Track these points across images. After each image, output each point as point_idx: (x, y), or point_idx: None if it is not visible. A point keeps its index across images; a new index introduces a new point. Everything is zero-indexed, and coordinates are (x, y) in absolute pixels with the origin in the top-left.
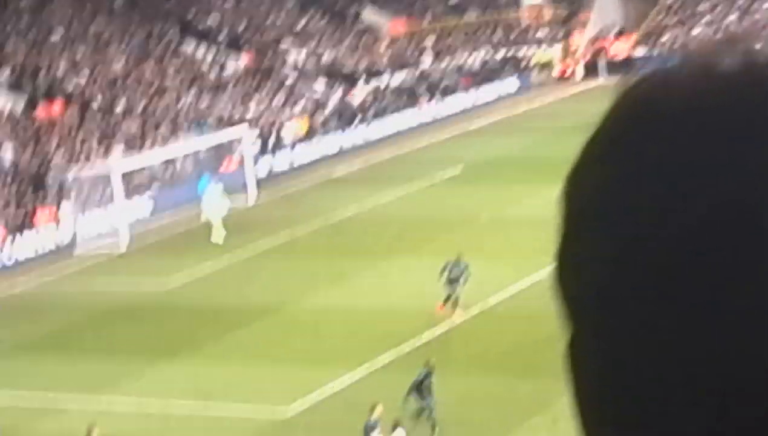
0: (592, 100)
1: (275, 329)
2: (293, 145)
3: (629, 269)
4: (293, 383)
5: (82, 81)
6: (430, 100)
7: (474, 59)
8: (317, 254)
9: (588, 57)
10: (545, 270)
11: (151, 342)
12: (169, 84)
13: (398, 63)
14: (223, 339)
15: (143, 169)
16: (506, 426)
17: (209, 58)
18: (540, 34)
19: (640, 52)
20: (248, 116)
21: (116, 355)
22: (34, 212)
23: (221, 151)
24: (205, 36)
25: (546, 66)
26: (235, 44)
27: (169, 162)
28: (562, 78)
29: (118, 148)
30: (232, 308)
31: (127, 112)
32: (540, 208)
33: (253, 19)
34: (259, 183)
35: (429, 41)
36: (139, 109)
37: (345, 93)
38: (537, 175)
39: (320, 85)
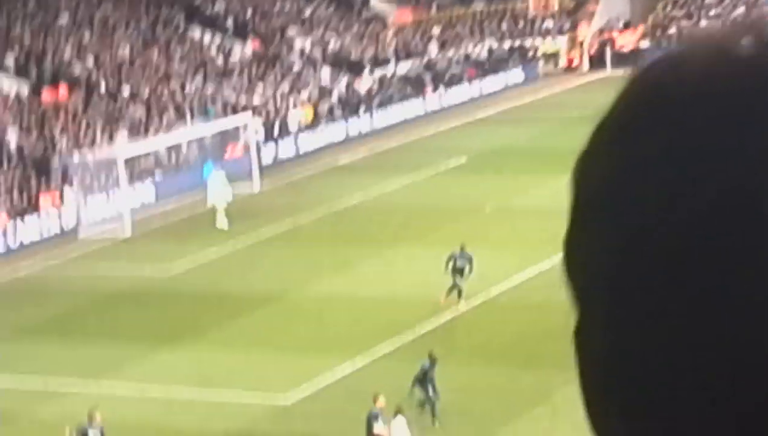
0: (599, 91)
1: (278, 317)
2: (298, 133)
3: (638, 255)
4: (295, 371)
5: (88, 66)
6: (435, 89)
7: (480, 49)
8: (321, 241)
9: (595, 48)
10: (549, 261)
11: (153, 328)
12: (175, 70)
13: (404, 52)
14: (226, 326)
15: (148, 154)
16: (507, 416)
17: (215, 44)
18: (547, 25)
19: (647, 44)
20: (254, 103)
21: (119, 340)
22: (38, 196)
23: (226, 137)
24: (212, 22)
25: (552, 57)
26: (241, 31)
27: (174, 148)
28: (569, 69)
29: (122, 134)
30: (236, 295)
31: (133, 97)
32: (545, 199)
33: (260, 6)
34: (264, 170)
35: (435, 30)
36: (145, 94)
37: (351, 81)
38: (542, 166)
39: (326, 73)
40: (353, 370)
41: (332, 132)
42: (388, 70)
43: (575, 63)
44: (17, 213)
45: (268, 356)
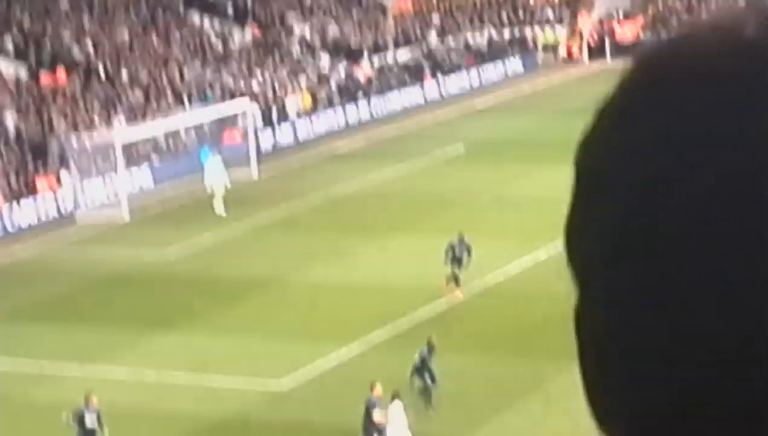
0: (598, 82)
1: (274, 303)
2: (296, 120)
3: (636, 238)
4: (290, 357)
5: (87, 50)
6: (434, 77)
7: (480, 38)
8: (318, 228)
9: (594, 39)
10: (546, 250)
11: (149, 312)
12: (174, 55)
13: (404, 40)
14: (221, 311)
15: (146, 139)
16: (501, 404)
17: (215, 30)
18: (547, 15)
19: (647, 35)
20: (252, 89)
21: (114, 324)
22: (35, 180)
23: (224, 123)
24: (211, 8)
25: (552, 47)
26: (240, 17)
27: (172, 133)
28: (568, 59)
29: (120, 118)
30: (232, 280)
31: (131, 82)
32: (542, 189)
33: None
34: (262, 157)
35: (435, 19)
36: (143, 79)
37: (349, 69)
38: (540, 156)
39: (325, 60)
40: (348, 357)
41: (330, 119)
42: (388, 58)
43: (575, 53)
44: (14, 196)
45: (263, 342)
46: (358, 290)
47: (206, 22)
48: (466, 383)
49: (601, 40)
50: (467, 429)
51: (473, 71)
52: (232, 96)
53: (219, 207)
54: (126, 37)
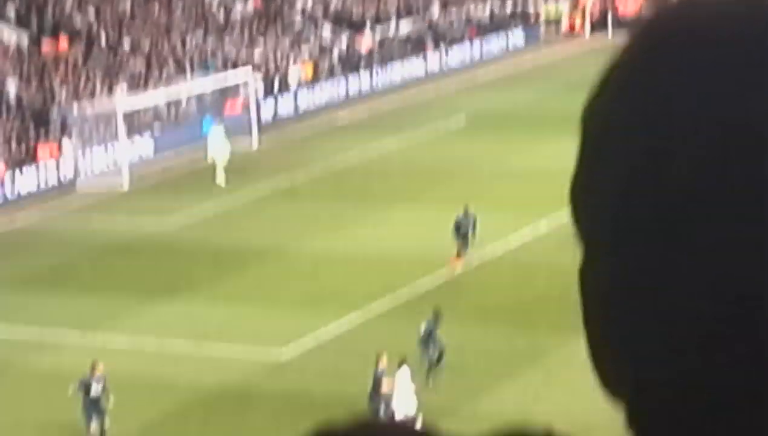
0: (600, 56)
1: (274, 273)
2: (298, 90)
3: (642, 192)
4: (290, 327)
5: (89, 18)
6: (436, 50)
7: (482, 11)
8: (319, 199)
9: (597, 14)
10: (546, 223)
11: (149, 281)
12: (176, 24)
13: (406, 11)
14: (222, 280)
15: (147, 108)
16: (500, 376)
17: None
18: None
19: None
20: (254, 59)
21: (114, 292)
22: (36, 147)
23: (226, 93)
24: None
25: (554, 21)
26: None
27: (173, 102)
28: (570, 33)
29: (122, 87)
30: (232, 250)
31: (133, 50)
32: (543, 161)
33: None
34: (263, 127)
35: None
36: (145, 48)
37: (351, 40)
38: (541, 129)
39: (327, 30)
40: (348, 327)
41: (332, 90)
42: (390, 29)
43: (577, 27)
44: (15, 164)
45: (263, 312)
46: (358, 260)
47: None
48: (466, 355)
49: (603, 15)
50: (467, 400)
51: (475, 44)
52: (234, 66)
53: (220, 177)
54: (128, 5)
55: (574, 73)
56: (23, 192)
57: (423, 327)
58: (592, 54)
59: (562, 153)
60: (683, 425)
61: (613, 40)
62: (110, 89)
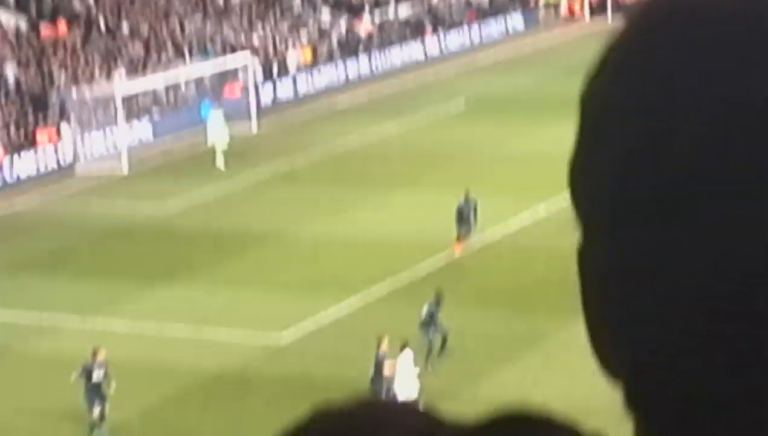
0: (599, 40)
1: (274, 257)
2: (297, 74)
3: (642, 172)
4: (289, 311)
5: (88, 2)
6: (435, 33)
7: None
8: (318, 183)
9: None
10: (545, 207)
11: (148, 265)
12: (175, 8)
13: None
14: (221, 265)
15: (146, 92)
16: (500, 360)
17: None
18: None
19: None
20: (253, 44)
21: (113, 277)
22: (35, 132)
23: (225, 77)
24: None
25: (553, 5)
26: None
27: (172, 86)
28: (569, 17)
29: (121, 71)
30: (231, 234)
31: (132, 35)
32: (542, 145)
33: None
34: (262, 111)
35: None
36: (144, 32)
37: (350, 23)
38: (541, 112)
39: (326, 14)
40: (348, 311)
41: (331, 74)
42: (389, 13)
43: (576, 11)
44: (14, 148)
45: (263, 296)
46: (358, 244)
47: None
48: (465, 339)
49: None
50: (467, 384)
51: (474, 27)
52: (233, 50)
53: (220, 161)
54: None
55: (574, 57)
56: (22, 176)
57: (425, 310)
58: (592, 38)
59: (562, 137)
60: (682, 405)
61: (613, 23)
62: (109, 74)
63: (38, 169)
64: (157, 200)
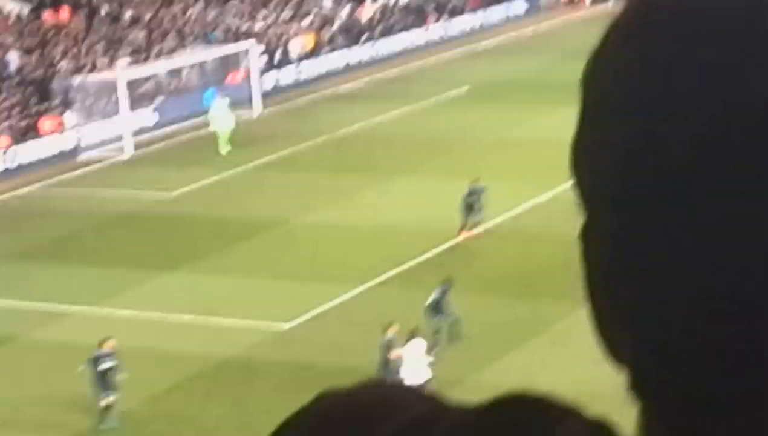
0: (600, 25)
1: (277, 243)
2: (299, 60)
3: (639, 177)
4: (293, 298)
5: None
6: (437, 19)
7: None
8: (321, 169)
9: None
10: (549, 193)
11: (151, 252)
12: None
13: None
14: (225, 251)
15: (149, 79)
16: (505, 347)
17: None
18: None
19: None
20: (255, 30)
21: (117, 264)
22: (38, 118)
23: (228, 63)
24: None
25: None
26: None
27: (175, 73)
28: (571, 2)
29: (124, 58)
30: (234, 221)
31: (134, 21)
32: (545, 131)
33: None
34: (265, 97)
35: None
36: (147, 19)
37: (353, 9)
38: (543, 98)
39: (328, 0)
40: (351, 298)
41: (333, 60)
42: None
43: None
44: (18, 135)
45: (266, 283)
46: (361, 231)
47: None
48: (470, 325)
49: None
50: (472, 370)
51: (476, 13)
52: (236, 36)
53: (223, 148)
54: None
55: (576, 41)
56: (25, 163)
57: (431, 297)
58: (594, 23)
59: (565, 122)
60: (682, 405)
61: (614, 8)
62: (112, 60)
63: (41, 156)
64: (160, 187)
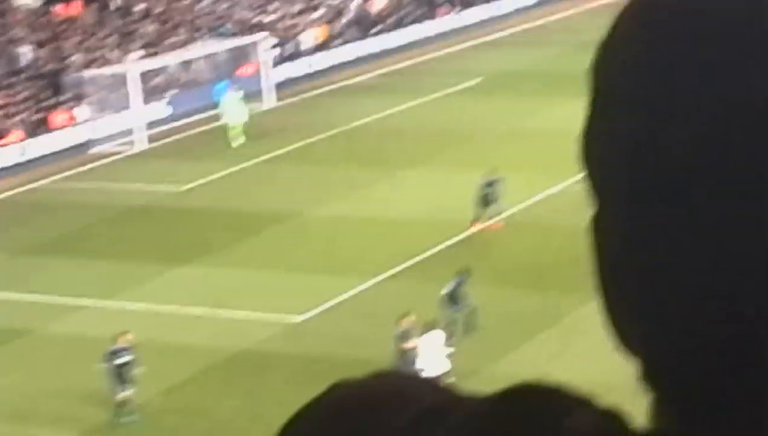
0: (611, 15)
1: (289, 236)
2: (311, 52)
3: (652, 151)
4: (305, 290)
5: None
6: (449, 10)
7: None
8: (333, 161)
9: None
10: (562, 183)
11: (164, 245)
12: None
13: None
14: (238, 244)
15: (161, 72)
16: (517, 338)
17: None
18: None
19: None
20: (267, 22)
21: (130, 257)
22: (51, 113)
23: (240, 55)
24: None
25: None
26: None
27: (187, 66)
28: None
29: (136, 50)
30: (246, 214)
31: (147, 14)
32: (557, 122)
33: None
34: (276, 89)
35: None
36: (159, 11)
37: (364, 1)
38: (555, 89)
39: None
40: (365, 291)
41: (345, 52)
42: None
43: None
44: (30, 128)
45: (279, 275)
46: (374, 223)
47: None
48: (485, 316)
49: None
50: (485, 362)
51: (487, 4)
52: (248, 29)
53: (235, 140)
54: None
55: (588, 32)
56: (38, 156)
57: (447, 288)
58: (606, 13)
59: (577, 113)
60: (682, 405)
61: None
62: (124, 53)
63: (54, 150)
64: (172, 181)
